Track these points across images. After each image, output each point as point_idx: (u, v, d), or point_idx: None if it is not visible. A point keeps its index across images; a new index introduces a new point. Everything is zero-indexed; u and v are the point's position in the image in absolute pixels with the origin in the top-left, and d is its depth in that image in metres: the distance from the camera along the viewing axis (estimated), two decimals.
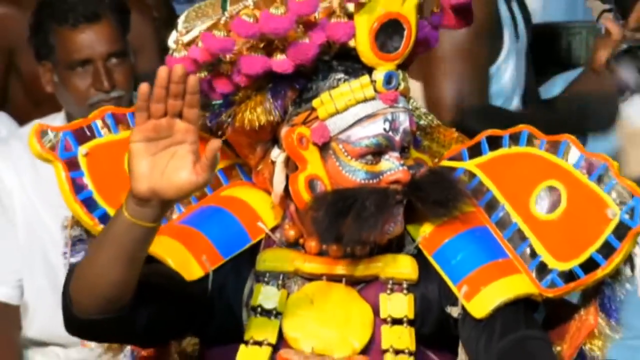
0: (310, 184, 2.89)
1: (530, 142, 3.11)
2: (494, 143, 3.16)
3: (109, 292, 2.73)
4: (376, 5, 2.87)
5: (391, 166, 2.86)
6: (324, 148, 2.86)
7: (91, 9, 4.60)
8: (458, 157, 3.15)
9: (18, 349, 4.67)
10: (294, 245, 2.94)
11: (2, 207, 4.40)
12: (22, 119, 5.00)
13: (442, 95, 4.65)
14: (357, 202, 2.89)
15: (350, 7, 2.87)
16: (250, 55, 2.84)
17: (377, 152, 2.86)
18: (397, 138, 2.86)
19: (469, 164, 3.15)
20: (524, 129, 3.13)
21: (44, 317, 4.55)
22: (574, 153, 3.07)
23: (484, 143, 3.13)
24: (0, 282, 4.62)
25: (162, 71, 2.45)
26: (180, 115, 2.52)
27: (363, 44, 2.84)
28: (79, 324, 2.78)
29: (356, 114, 2.84)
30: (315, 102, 2.85)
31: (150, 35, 4.99)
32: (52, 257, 4.44)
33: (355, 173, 2.87)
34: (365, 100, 2.83)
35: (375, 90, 2.84)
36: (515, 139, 3.12)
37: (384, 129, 2.85)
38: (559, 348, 3.09)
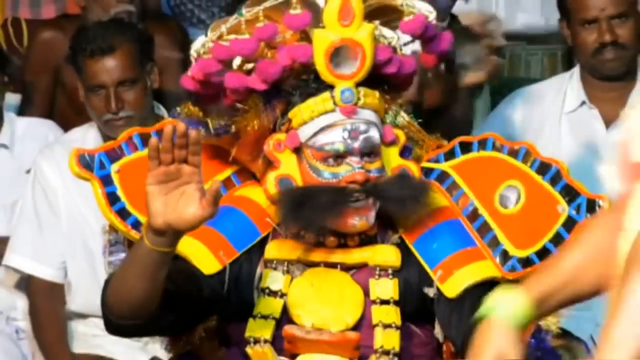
0: (280, 181, 3.18)
1: (495, 147, 3.39)
2: (465, 148, 3.44)
3: (136, 303, 3.02)
4: (332, 32, 3.13)
5: (349, 168, 3.12)
6: (298, 152, 3.16)
7: (108, 42, 4.87)
8: (435, 160, 3.42)
9: (64, 320, 4.83)
10: (297, 236, 3.17)
11: (48, 202, 4.60)
12: (66, 126, 5.22)
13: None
14: (314, 196, 3.15)
15: (311, 33, 3.19)
16: (233, 73, 3.16)
17: (338, 156, 3.11)
18: (356, 145, 3.11)
19: (445, 166, 3.42)
20: (490, 136, 3.41)
21: (83, 293, 4.74)
22: (532, 157, 3.37)
23: (457, 148, 3.40)
24: (48, 264, 4.79)
25: (168, 128, 2.68)
26: (185, 161, 2.76)
27: (320, 65, 3.09)
28: (115, 326, 3.11)
29: (318, 124, 3.12)
30: (290, 114, 3.14)
31: (174, 56, 5.20)
32: (90, 244, 4.65)
33: (320, 173, 3.15)
34: (326, 112, 3.10)
35: (335, 104, 3.10)
36: (483, 145, 3.39)
37: (343, 137, 3.10)
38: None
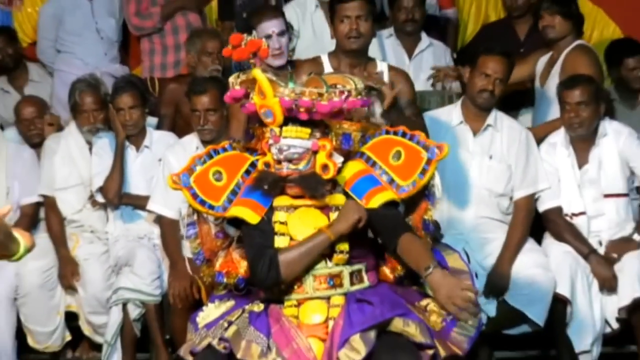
0: (265, 164, 4.08)
1: (396, 134, 4.32)
2: (387, 133, 4.35)
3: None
4: (256, 100, 4.05)
5: (283, 167, 4.06)
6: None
7: (203, 87, 5.80)
8: (362, 144, 4.31)
9: (179, 239, 5.58)
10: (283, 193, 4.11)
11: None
12: (180, 135, 6.17)
13: None
14: (267, 178, 4.08)
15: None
16: (248, 103, 4.12)
17: (278, 161, 4.05)
18: (281, 157, 4.03)
19: (363, 148, 4.33)
20: (401, 129, 4.33)
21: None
22: (416, 136, 4.26)
23: (382, 133, 4.34)
24: (170, 209, 5.77)
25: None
26: None
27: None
28: (272, 287, 4.10)
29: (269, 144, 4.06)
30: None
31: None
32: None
33: (274, 167, 4.07)
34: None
35: (273, 137, 4.03)
36: (393, 132, 4.34)
37: (276, 152, 4.02)
38: (410, 217, 4.31)
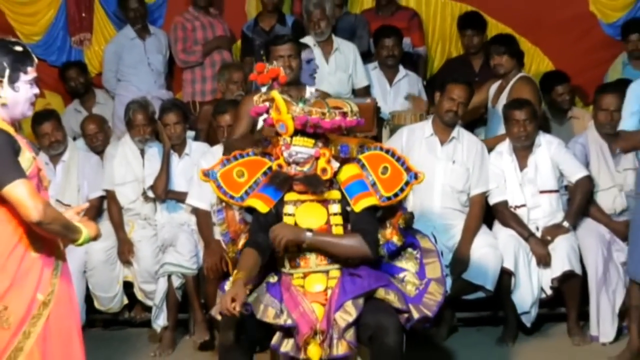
0: (278, 166, 4.08)
1: (383, 150, 4.27)
2: (376, 148, 4.27)
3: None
4: (273, 115, 4.03)
5: (292, 169, 4.05)
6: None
7: (224, 108, 5.83)
8: (360, 153, 4.23)
9: (211, 226, 5.64)
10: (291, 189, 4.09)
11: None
12: (212, 144, 6.03)
13: None
14: (279, 176, 4.09)
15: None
16: (267, 116, 4.12)
17: (288, 163, 4.05)
18: (291, 160, 4.03)
19: (360, 157, 4.26)
20: (390, 148, 4.26)
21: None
22: (402, 159, 4.21)
23: (377, 149, 4.25)
24: (204, 202, 5.72)
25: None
26: None
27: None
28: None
29: (281, 148, 4.04)
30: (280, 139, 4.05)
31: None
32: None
33: (285, 168, 4.06)
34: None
35: (285, 146, 4.01)
36: (384, 149, 4.28)
37: (287, 156, 4.03)
38: (390, 220, 4.22)
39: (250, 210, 4.20)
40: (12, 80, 3.29)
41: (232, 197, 4.25)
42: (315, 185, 4.07)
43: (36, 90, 3.40)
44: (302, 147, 3.99)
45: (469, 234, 5.71)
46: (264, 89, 4.27)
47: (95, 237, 3.47)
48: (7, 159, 3.19)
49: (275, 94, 4.03)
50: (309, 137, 4.01)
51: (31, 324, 3.29)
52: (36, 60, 3.42)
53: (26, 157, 3.28)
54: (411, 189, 4.19)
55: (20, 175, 3.18)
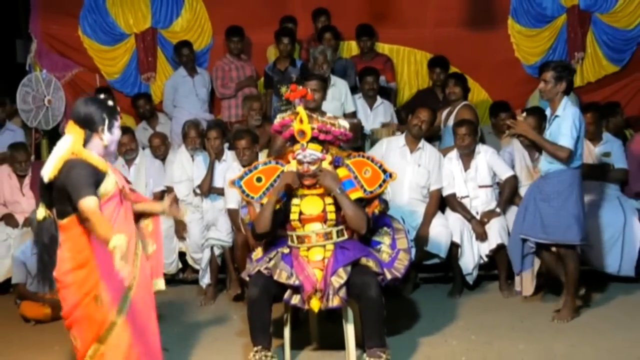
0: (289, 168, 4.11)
1: (368, 159, 4.24)
2: (361, 155, 4.27)
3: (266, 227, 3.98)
4: (296, 126, 4.02)
5: (304, 168, 4.02)
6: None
7: (241, 135, 5.59)
8: (347, 159, 4.21)
9: (239, 215, 5.44)
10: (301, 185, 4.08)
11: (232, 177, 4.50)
12: None
13: None
14: (289, 173, 4.07)
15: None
16: (284, 131, 4.12)
17: (300, 162, 4.04)
18: (305, 160, 4.03)
19: (349, 161, 4.23)
20: (371, 156, 4.28)
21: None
22: (379, 163, 4.21)
23: (361, 156, 4.24)
24: (234, 204, 5.57)
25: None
26: None
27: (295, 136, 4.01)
28: (258, 237, 4.12)
29: (298, 153, 4.04)
30: (295, 147, 4.07)
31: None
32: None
33: (297, 169, 4.05)
34: (299, 149, 4.00)
35: (302, 149, 4.01)
36: (367, 157, 4.28)
37: (302, 157, 4.02)
38: (368, 208, 4.18)
39: None
40: (110, 127, 3.36)
41: (252, 198, 4.22)
42: (327, 180, 4.03)
43: (119, 133, 3.47)
44: (314, 151, 3.96)
45: (428, 217, 5.65)
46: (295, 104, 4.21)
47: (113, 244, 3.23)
48: (84, 180, 3.17)
49: (300, 108, 3.98)
50: (319, 144, 3.99)
51: (121, 303, 3.30)
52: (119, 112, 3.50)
53: (110, 181, 3.28)
54: (387, 185, 4.17)
55: (90, 193, 3.15)
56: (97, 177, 3.23)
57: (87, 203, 3.12)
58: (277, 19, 7.18)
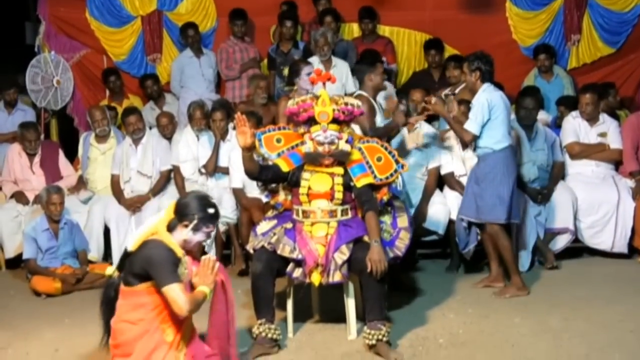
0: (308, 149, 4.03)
1: (382, 146, 4.17)
2: (377, 143, 4.19)
3: (249, 170, 3.95)
4: (317, 108, 3.99)
5: (324, 149, 3.98)
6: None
7: (249, 117, 4.90)
8: (361, 143, 4.16)
9: (246, 195, 5.53)
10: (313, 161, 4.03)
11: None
12: None
13: None
14: (313, 154, 4.01)
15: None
16: (301, 114, 4.07)
17: (321, 143, 3.99)
18: (326, 141, 3.99)
19: (362, 145, 4.19)
20: (385, 144, 4.20)
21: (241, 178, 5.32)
22: (393, 152, 4.15)
23: (373, 142, 4.18)
24: (238, 181, 5.55)
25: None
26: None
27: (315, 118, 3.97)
28: (254, 178, 4.11)
29: (317, 134, 4.00)
30: (312, 128, 4.02)
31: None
32: None
33: (314, 149, 4.01)
34: (319, 130, 3.97)
35: (322, 128, 3.98)
36: (381, 145, 4.17)
37: (323, 138, 3.98)
38: (376, 194, 4.10)
39: (277, 171, 4.11)
40: (195, 229, 3.31)
41: (267, 154, 4.15)
42: (344, 157, 4.02)
43: (204, 238, 3.39)
44: (334, 132, 3.93)
45: (427, 194, 5.63)
46: (316, 88, 4.21)
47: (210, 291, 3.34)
48: (168, 267, 3.16)
49: (322, 91, 3.98)
50: (337, 125, 3.96)
51: None
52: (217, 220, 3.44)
53: (183, 271, 3.25)
54: (398, 177, 4.20)
55: (175, 280, 3.16)
56: (174, 261, 3.23)
57: (173, 292, 3.15)
58: (279, 2, 7.15)
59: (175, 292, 3.13)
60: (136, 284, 3.24)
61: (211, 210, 3.35)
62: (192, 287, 3.31)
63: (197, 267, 3.32)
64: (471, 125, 4.76)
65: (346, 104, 3.99)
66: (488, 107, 4.73)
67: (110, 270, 3.40)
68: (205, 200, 3.37)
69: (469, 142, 4.82)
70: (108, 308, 3.34)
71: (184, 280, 3.24)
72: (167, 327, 3.24)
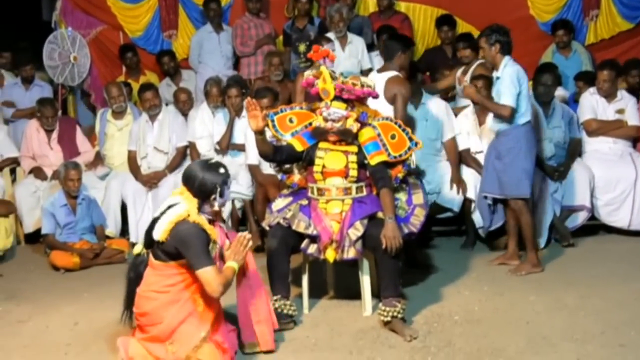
0: (318, 124, 3.99)
1: (396, 124, 4.12)
2: (386, 118, 4.14)
3: (263, 152, 3.96)
4: (320, 85, 3.91)
5: (327, 125, 3.95)
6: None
7: (263, 94, 5.48)
8: (375, 120, 4.11)
9: (261, 172, 5.49)
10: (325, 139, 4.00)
11: None
12: None
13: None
14: (319, 130, 4.00)
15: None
16: (313, 87, 4.03)
17: (325, 119, 3.96)
18: (329, 118, 3.94)
19: (375, 122, 4.14)
20: (399, 122, 4.15)
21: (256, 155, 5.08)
22: (407, 130, 4.09)
23: (388, 119, 4.13)
24: (254, 158, 5.48)
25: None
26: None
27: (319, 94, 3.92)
28: (267, 160, 4.11)
29: (324, 110, 3.95)
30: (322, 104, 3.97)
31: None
32: None
33: (322, 125, 3.97)
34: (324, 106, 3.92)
35: (326, 107, 3.93)
36: (395, 122, 4.16)
37: (326, 114, 3.95)
38: (391, 171, 4.06)
39: (291, 151, 4.07)
40: (221, 194, 3.40)
41: (280, 134, 4.12)
42: (347, 136, 3.96)
43: (229, 194, 3.49)
44: (338, 109, 3.86)
45: (454, 165, 5.56)
46: (319, 64, 4.10)
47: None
48: (203, 249, 3.23)
49: (323, 68, 3.90)
50: (343, 102, 3.89)
51: (193, 351, 3.31)
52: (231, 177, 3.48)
53: (213, 246, 3.32)
54: (412, 153, 4.09)
55: (209, 263, 3.22)
56: (208, 242, 3.28)
57: (208, 275, 3.20)
58: None
59: (210, 275, 3.19)
60: (167, 260, 3.28)
61: (222, 170, 3.42)
62: (222, 258, 3.39)
63: (220, 231, 3.39)
64: (507, 99, 4.65)
65: (347, 82, 3.91)
66: (517, 78, 4.67)
67: (138, 248, 3.43)
68: (209, 166, 3.40)
69: (508, 116, 4.66)
70: (136, 283, 3.38)
71: (215, 254, 3.30)
72: (198, 298, 3.29)
